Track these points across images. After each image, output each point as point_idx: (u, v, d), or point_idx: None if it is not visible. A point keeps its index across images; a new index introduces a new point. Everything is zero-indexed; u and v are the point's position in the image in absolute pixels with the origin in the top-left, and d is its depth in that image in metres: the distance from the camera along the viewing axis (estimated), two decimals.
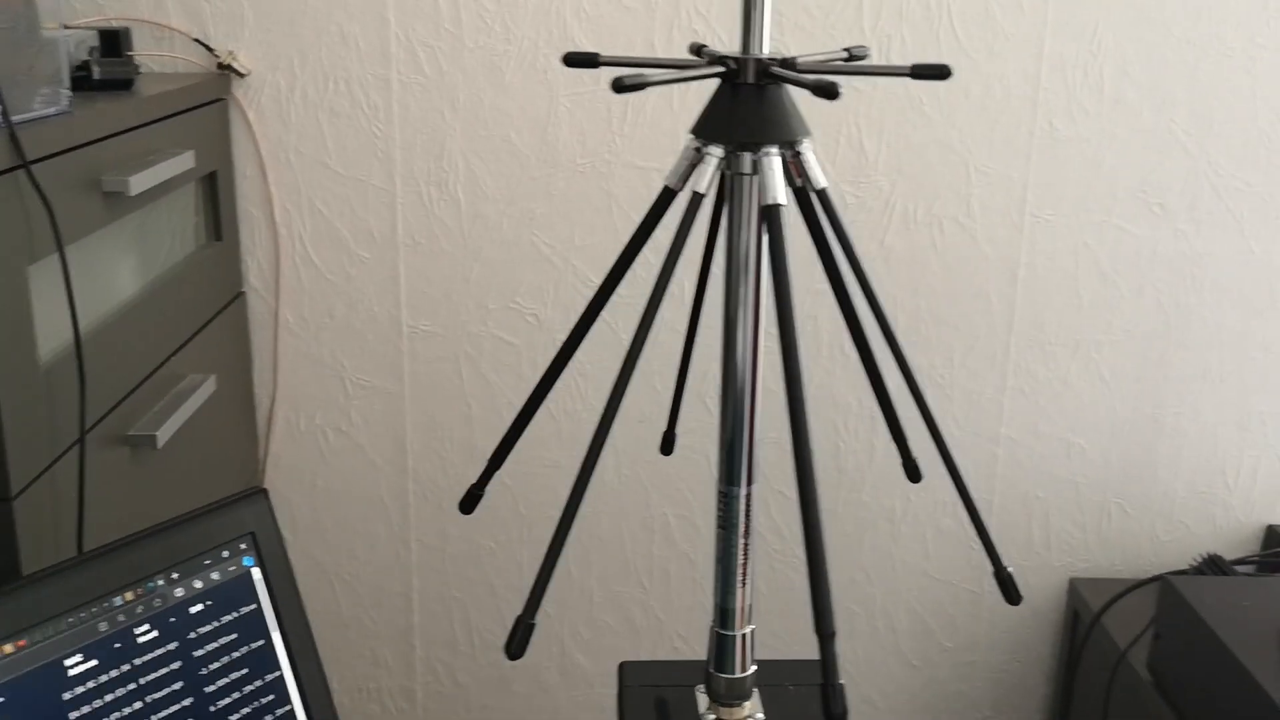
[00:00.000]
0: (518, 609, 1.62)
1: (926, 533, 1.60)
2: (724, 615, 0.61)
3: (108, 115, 1.06)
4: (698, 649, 1.66)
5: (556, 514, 1.57)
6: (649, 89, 0.66)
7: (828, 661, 0.48)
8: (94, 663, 0.67)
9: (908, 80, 1.44)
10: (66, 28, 1.12)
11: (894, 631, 1.66)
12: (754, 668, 0.63)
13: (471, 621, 1.63)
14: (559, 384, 0.64)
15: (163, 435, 1.10)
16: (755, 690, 0.65)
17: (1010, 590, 0.58)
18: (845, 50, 0.61)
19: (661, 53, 1.43)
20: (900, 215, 1.49)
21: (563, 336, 1.50)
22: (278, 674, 0.75)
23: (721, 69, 0.53)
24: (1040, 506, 1.62)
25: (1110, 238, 1.51)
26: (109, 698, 0.67)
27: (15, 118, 0.88)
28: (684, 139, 1.46)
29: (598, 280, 1.49)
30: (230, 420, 1.42)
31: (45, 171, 0.90)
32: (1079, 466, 1.60)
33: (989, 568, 1.62)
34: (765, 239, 0.57)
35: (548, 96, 1.43)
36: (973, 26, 1.43)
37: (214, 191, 1.38)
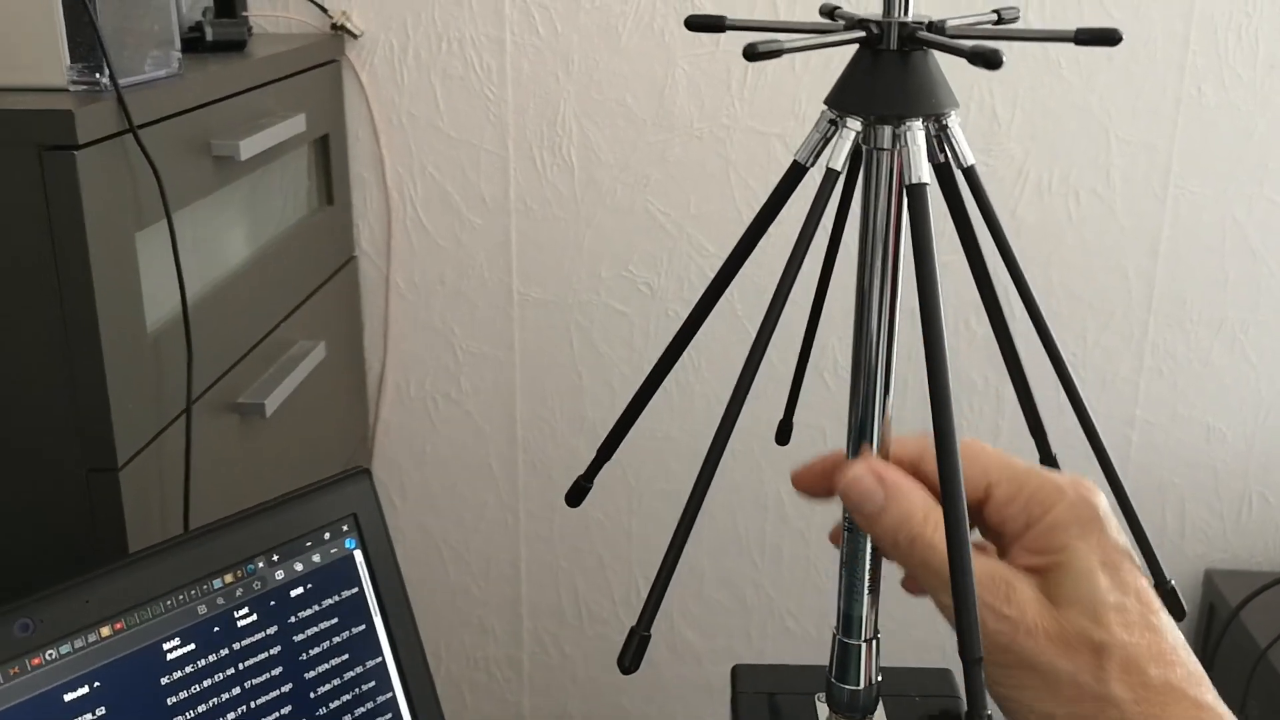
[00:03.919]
0: (626, 580, 1.60)
1: None
2: (847, 622, 0.57)
3: (219, 78, 1.04)
4: (809, 629, 1.61)
5: (666, 486, 1.53)
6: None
7: (973, 689, 0.44)
8: (192, 646, 0.66)
9: (1045, 42, 1.36)
10: None
11: None
12: (879, 678, 0.59)
13: (579, 592, 1.61)
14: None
15: (271, 403, 1.09)
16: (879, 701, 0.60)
17: (1174, 605, 0.53)
18: (994, 11, 0.56)
19: (784, 13, 1.37)
20: (1034, 185, 1.41)
21: (676, 307, 1.46)
22: (379, 659, 0.73)
23: (862, 34, 0.48)
24: (1175, 493, 1.54)
25: (1260, 212, 1.42)
26: (207, 682, 0.66)
27: (125, 80, 0.86)
28: (806, 104, 1.40)
29: (713, 250, 1.45)
30: (339, 387, 1.41)
31: (154, 136, 0.88)
32: (1218, 452, 1.52)
33: None
34: (905, 221, 0.52)
35: (665, 59, 1.39)
36: None
37: (326, 155, 1.36)
